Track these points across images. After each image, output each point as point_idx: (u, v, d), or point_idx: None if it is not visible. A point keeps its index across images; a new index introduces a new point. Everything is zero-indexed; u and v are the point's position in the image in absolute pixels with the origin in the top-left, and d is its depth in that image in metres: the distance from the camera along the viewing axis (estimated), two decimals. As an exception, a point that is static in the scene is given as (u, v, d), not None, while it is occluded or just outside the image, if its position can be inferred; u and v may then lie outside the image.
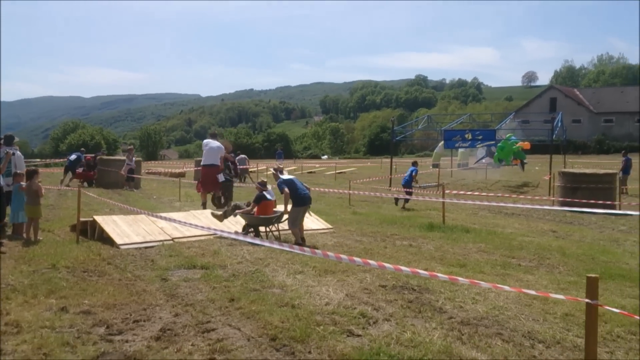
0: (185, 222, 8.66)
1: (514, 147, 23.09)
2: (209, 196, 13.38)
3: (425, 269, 7.68)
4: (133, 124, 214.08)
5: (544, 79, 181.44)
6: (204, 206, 12.80)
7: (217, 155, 12.57)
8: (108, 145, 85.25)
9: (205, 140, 13.13)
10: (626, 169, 20.45)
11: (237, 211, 10.03)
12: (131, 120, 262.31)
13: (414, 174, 16.48)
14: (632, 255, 8.88)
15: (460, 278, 4.76)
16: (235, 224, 10.67)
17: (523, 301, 6.18)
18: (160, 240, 9.30)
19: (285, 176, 9.86)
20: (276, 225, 10.05)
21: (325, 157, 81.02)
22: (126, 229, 9.70)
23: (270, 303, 5.77)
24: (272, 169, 10.44)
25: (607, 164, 32.03)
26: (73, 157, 21.11)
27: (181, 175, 27.26)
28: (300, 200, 9.50)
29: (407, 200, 15.80)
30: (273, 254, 8.55)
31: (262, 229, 10.00)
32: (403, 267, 4.65)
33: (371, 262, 4.73)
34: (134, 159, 21.10)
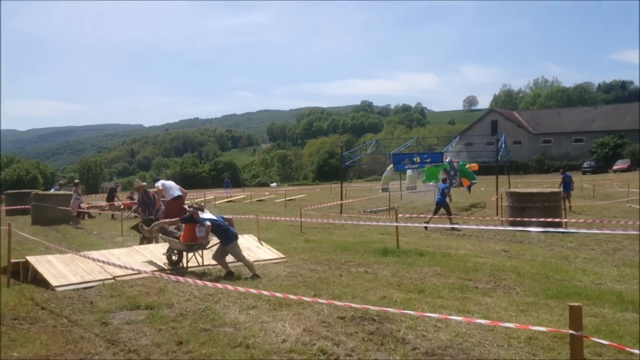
0: (111, 263, 8.12)
1: (463, 168, 23.49)
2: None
3: (383, 297, 7.46)
4: (72, 157, 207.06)
5: (484, 102, 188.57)
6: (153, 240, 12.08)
7: (178, 189, 12.67)
8: (45, 180, 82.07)
9: (160, 181, 13.14)
10: (567, 185, 21.09)
11: (161, 235, 10.03)
12: (70, 153, 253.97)
13: (446, 190, 16.97)
14: (584, 273, 8.95)
15: (429, 314, 4.51)
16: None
17: (485, 326, 6.00)
18: (101, 280, 8.68)
19: (207, 215, 9.67)
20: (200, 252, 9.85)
21: (275, 184, 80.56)
22: (62, 269, 9.02)
23: (222, 344, 5.36)
24: (190, 207, 10.18)
25: (548, 183, 33.13)
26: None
27: (126, 207, 26.22)
28: (227, 238, 9.34)
29: (452, 224, 15.98)
30: (223, 290, 8.10)
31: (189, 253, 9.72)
32: (354, 305, 4.37)
33: (320, 300, 4.43)
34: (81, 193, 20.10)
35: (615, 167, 55.63)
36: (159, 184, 13.00)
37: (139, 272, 9.20)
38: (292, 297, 5.42)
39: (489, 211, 21.04)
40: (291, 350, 5.17)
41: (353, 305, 5.56)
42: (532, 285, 8.07)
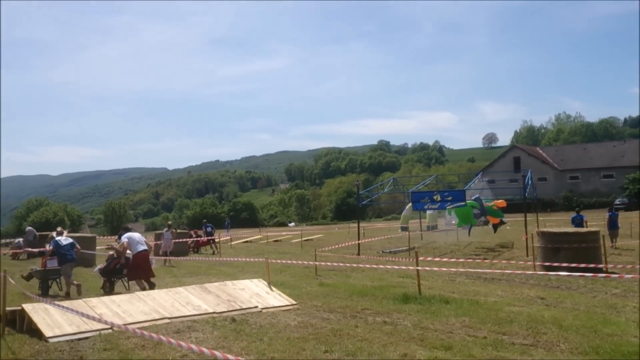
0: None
1: (489, 206, 22.33)
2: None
3: (404, 354, 6.47)
4: (101, 199, 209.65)
5: (504, 139, 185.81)
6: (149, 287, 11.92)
7: (144, 243, 12.72)
8: (72, 222, 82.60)
9: (126, 234, 12.89)
10: (613, 223, 20.06)
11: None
12: (99, 196, 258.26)
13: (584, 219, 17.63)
14: (637, 325, 7.80)
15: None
16: (186, 305, 9.27)
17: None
18: (97, 330, 7.94)
19: (63, 239, 12.81)
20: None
21: (293, 224, 79.66)
22: (59, 318, 8.31)
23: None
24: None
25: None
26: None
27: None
28: (62, 260, 12.46)
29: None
30: (225, 343, 7.20)
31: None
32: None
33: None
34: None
35: None
36: (124, 238, 12.72)
37: (139, 322, 8.45)
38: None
39: (517, 252, 19.83)
40: None
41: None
42: (578, 341, 6.98)
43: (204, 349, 5.77)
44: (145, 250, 12.45)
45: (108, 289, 12.64)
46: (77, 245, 13.27)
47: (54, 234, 14.00)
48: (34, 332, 7.98)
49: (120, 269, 12.86)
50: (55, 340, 7.57)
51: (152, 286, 12.04)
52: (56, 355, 6.92)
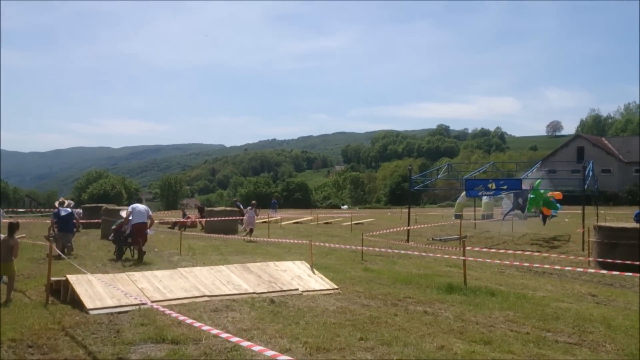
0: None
1: (545, 196, 21.55)
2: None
3: (442, 347, 6.33)
4: (159, 174, 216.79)
5: (569, 128, 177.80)
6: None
7: (145, 215, 14.17)
8: (129, 195, 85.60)
9: (132, 205, 14.76)
10: None
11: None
12: (157, 170, 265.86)
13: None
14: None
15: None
16: (227, 284, 9.44)
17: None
18: (137, 305, 8.07)
19: (63, 211, 14.15)
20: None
21: (346, 207, 79.61)
22: (101, 290, 8.56)
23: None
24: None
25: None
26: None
27: (192, 225, 26.22)
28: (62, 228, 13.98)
29: None
30: (261, 324, 7.27)
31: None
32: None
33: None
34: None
35: None
36: (129, 208, 14.57)
37: (178, 298, 8.66)
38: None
39: (573, 245, 19.07)
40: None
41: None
42: (625, 342, 6.64)
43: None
44: (142, 222, 13.92)
45: (117, 255, 14.17)
46: (77, 217, 15.28)
47: (57, 203, 15.64)
48: (77, 303, 8.13)
49: (126, 238, 14.24)
50: (96, 312, 7.72)
51: (140, 255, 13.60)
52: (94, 328, 7.04)
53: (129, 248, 14.52)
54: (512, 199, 23.48)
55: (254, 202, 23.50)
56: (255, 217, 22.27)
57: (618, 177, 64.17)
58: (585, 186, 19.85)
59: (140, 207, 14.52)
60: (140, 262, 13.24)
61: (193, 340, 6.40)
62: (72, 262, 11.41)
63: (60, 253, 12.24)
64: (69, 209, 14.71)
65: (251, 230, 20.93)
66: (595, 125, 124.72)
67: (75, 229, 14.95)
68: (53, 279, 8.98)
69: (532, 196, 21.63)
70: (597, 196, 31.51)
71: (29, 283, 10.35)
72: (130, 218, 13.98)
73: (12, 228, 9.03)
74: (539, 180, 21.97)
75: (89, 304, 8.00)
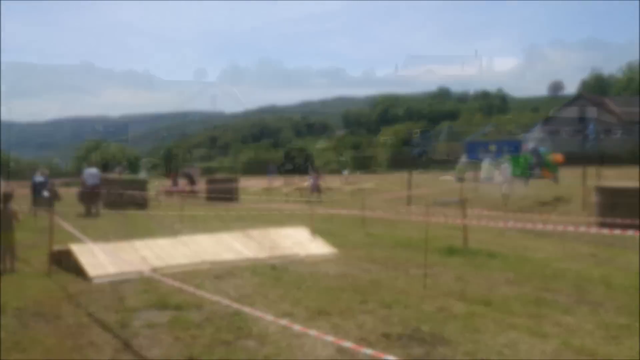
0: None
1: (546, 159, 21.51)
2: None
3: (441, 308, 6.39)
4: (158, 142, 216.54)
5: (571, 88, 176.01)
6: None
7: (97, 178, 17.61)
8: (130, 164, 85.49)
9: (87, 170, 18.07)
10: None
11: None
12: (156, 139, 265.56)
13: None
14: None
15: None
16: (228, 251, 9.50)
17: (564, 355, 4.85)
18: (139, 272, 8.14)
19: (37, 179, 16.74)
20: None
21: (346, 171, 79.68)
22: (103, 259, 8.60)
23: (236, 364, 4.54)
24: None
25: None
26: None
27: (194, 192, 26.30)
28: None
29: None
30: (263, 290, 7.33)
31: None
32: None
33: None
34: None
35: None
36: (85, 173, 17.76)
37: (181, 265, 8.73)
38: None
39: (573, 206, 19.09)
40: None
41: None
42: (625, 301, 6.69)
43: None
44: (95, 184, 17.08)
45: (85, 212, 16.84)
46: (50, 184, 17.31)
47: (39, 173, 17.93)
48: (80, 272, 8.18)
49: (87, 197, 17.02)
50: (99, 281, 7.79)
51: (90, 212, 16.60)
52: (97, 295, 7.10)
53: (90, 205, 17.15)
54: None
55: (315, 168, 25.63)
56: (316, 181, 24.98)
57: (620, 137, 63.90)
58: (586, 147, 19.77)
59: (92, 170, 17.87)
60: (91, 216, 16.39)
61: (195, 307, 6.45)
62: (73, 231, 11.47)
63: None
64: (41, 178, 17.16)
65: (318, 190, 23.90)
66: (597, 85, 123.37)
67: (53, 198, 16.52)
68: (55, 248, 9.03)
69: (513, 160, 21.43)
70: (598, 157, 31.42)
71: (32, 252, 10.40)
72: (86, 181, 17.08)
73: (7, 198, 9.06)
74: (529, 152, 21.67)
75: (91, 272, 8.06)
